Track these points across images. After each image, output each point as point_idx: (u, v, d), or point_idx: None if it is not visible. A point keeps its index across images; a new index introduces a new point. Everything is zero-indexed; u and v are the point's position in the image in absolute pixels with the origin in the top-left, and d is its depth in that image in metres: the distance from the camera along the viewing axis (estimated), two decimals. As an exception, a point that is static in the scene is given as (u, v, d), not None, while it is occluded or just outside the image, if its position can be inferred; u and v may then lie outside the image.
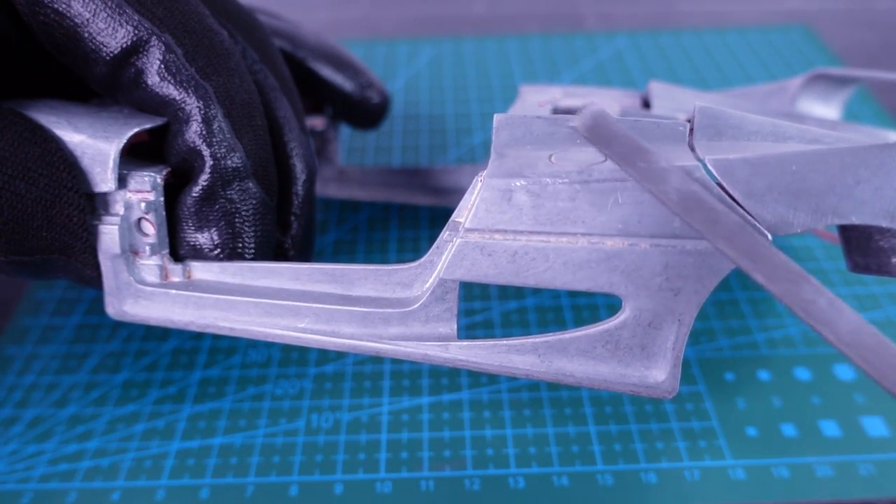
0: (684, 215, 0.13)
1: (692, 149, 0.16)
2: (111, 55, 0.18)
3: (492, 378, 0.23)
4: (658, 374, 0.17)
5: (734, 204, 0.15)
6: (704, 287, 0.16)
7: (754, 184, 0.15)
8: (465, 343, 0.18)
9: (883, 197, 0.15)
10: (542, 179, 0.16)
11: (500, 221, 0.16)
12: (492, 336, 0.24)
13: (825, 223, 0.15)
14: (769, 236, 0.15)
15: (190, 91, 0.18)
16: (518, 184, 0.16)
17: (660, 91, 0.24)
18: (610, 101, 0.24)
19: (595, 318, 0.25)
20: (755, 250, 0.13)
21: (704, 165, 0.16)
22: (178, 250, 0.19)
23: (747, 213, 0.15)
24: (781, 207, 0.15)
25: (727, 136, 0.17)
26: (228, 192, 0.19)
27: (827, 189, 0.15)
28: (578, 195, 0.16)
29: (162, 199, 0.19)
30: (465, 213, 0.17)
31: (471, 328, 0.25)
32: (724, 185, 0.15)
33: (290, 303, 0.18)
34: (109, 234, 0.19)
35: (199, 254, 0.19)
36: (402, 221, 0.30)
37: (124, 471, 0.21)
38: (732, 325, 0.24)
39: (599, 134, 0.14)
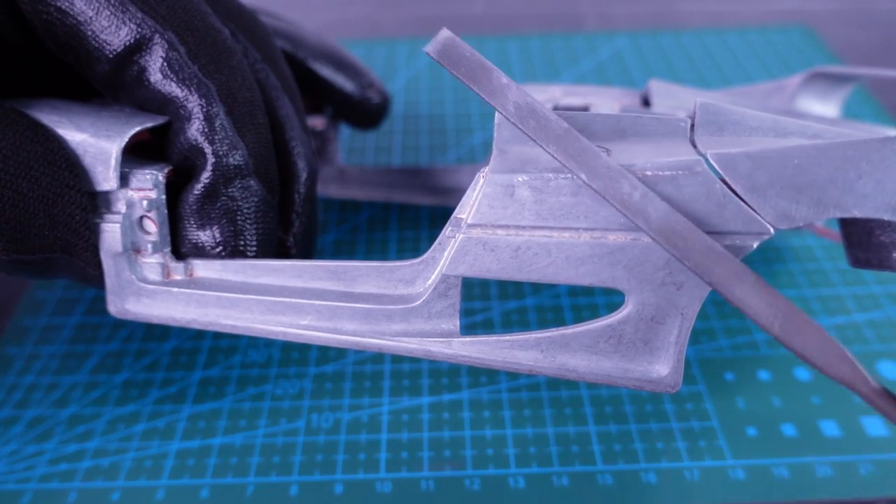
0: (519, 124, 0.15)
1: (694, 144, 0.16)
2: (114, 53, 0.18)
3: (491, 378, 0.23)
4: (661, 368, 0.17)
5: (734, 195, 0.15)
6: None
7: (756, 178, 0.15)
8: (467, 339, 0.18)
9: (885, 190, 0.15)
10: (545, 175, 0.16)
11: (502, 217, 0.16)
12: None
13: (827, 217, 0.15)
14: (772, 230, 0.15)
15: (192, 89, 0.18)
16: (520, 179, 0.16)
17: (659, 89, 0.24)
18: (610, 100, 0.24)
19: (595, 317, 0.25)
20: (580, 153, 0.14)
21: (707, 160, 0.16)
22: (180, 248, 0.19)
23: (750, 207, 0.15)
24: (783, 201, 0.15)
25: (728, 131, 0.17)
26: (230, 190, 0.19)
27: (829, 183, 0.15)
28: (580, 190, 0.16)
29: (164, 197, 0.19)
30: (468, 208, 0.17)
31: (471, 328, 0.25)
32: (727, 179, 0.15)
33: (292, 300, 0.18)
34: (111, 233, 0.19)
35: (201, 252, 0.19)
36: (402, 221, 0.30)
37: (124, 471, 0.21)
38: (732, 325, 0.24)
39: (449, 56, 0.15)
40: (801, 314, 0.14)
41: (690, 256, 0.14)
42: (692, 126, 0.17)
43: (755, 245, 0.16)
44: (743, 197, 0.15)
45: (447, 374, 0.23)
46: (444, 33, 0.15)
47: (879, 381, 0.22)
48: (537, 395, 0.22)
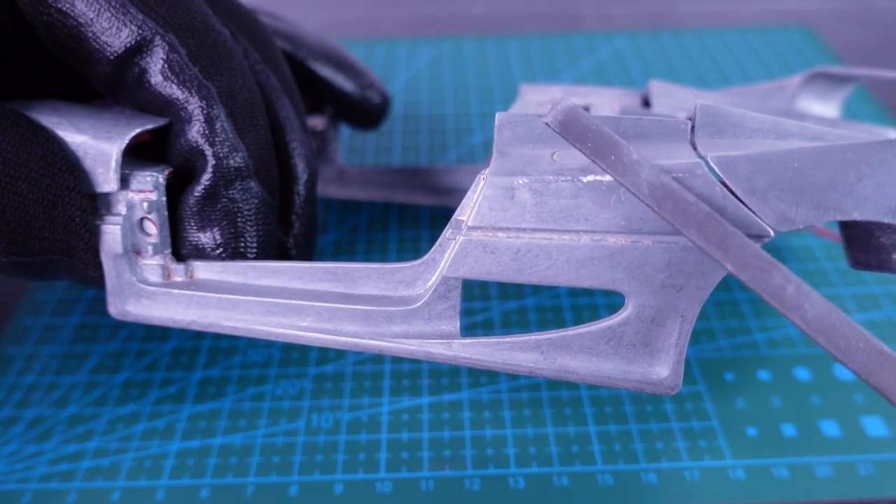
0: (655, 207, 0.14)
1: (694, 146, 0.16)
2: (115, 55, 0.18)
3: (492, 378, 0.23)
4: (661, 370, 0.17)
5: (734, 198, 0.15)
6: (707, 283, 0.16)
7: (756, 181, 0.15)
8: (468, 341, 0.18)
9: (885, 193, 0.15)
10: (545, 177, 0.16)
11: (502, 219, 0.16)
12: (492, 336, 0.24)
13: (827, 219, 0.15)
14: (772, 233, 0.15)
15: (193, 91, 0.18)
16: (521, 182, 0.16)
17: (659, 90, 0.24)
18: (610, 100, 0.24)
19: (595, 318, 0.25)
20: (726, 239, 0.13)
21: (707, 163, 0.16)
22: (181, 250, 0.20)
23: (749, 210, 0.15)
24: (784, 204, 0.15)
25: (728, 133, 0.17)
26: (231, 192, 0.19)
27: (829, 185, 0.15)
28: (581, 193, 0.16)
29: (164, 198, 0.19)
30: (468, 210, 0.17)
31: (471, 328, 0.25)
32: (727, 181, 0.15)
33: (292, 301, 0.18)
34: (112, 234, 0.19)
35: (201, 253, 0.19)
36: (402, 221, 0.30)
37: (124, 471, 0.21)
38: (732, 325, 0.24)
39: (572, 129, 0.14)
40: None
41: (855, 359, 0.13)
42: (692, 128, 0.17)
43: None
44: (743, 199, 0.15)
45: (447, 375, 0.23)
46: (566, 104, 0.14)
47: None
48: (537, 396, 0.22)
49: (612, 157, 0.14)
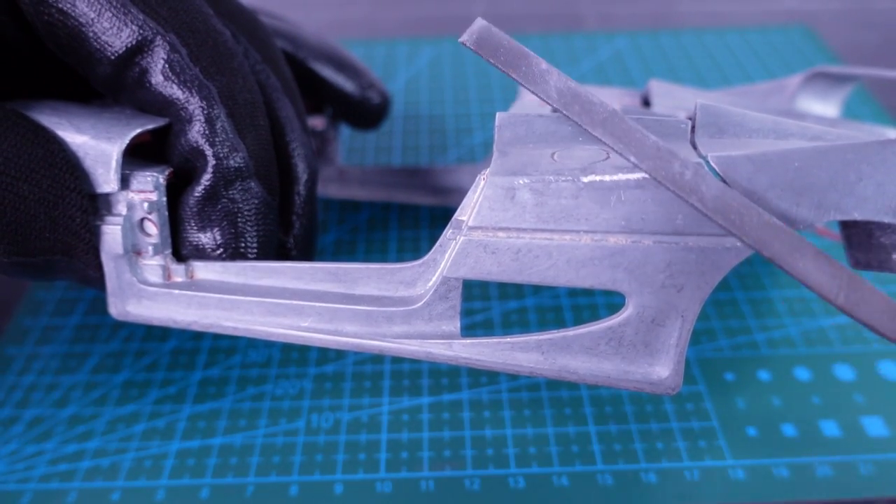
0: (563, 109, 0.14)
1: (694, 146, 0.16)
2: (116, 55, 0.18)
3: (492, 378, 0.23)
4: (662, 370, 0.17)
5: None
6: (707, 283, 0.16)
7: (757, 181, 0.15)
8: (468, 341, 0.18)
9: (885, 193, 0.15)
10: (545, 177, 0.16)
11: (503, 219, 0.16)
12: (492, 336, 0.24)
13: (827, 219, 0.15)
14: None
15: (193, 91, 0.18)
16: (521, 182, 0.16)
17: (659, 90, 0.24)
18: (610, 100, 0.24)
19: (595, 318, 0.25)
20: (628, 134, 0.14)
21: (707, 162, 0.16)
22: (181, 250, 0.20)
23: None
24: (784, 204, 0.15)
25: (729, 133, 0.17)
26: (231, 192, 0.19)
27: (829, 185, 0.15)
28: (581, 193, 0.16)
29: (164, 199, 0.19)
30: (469, 211, 0.17)
31: (471, 328, 0.25)
32: (727, 181, 0.15)
33: (293, 302, 0.18)
34: (112, 235, 0.19)
35: (201, 254, 0.19)
36: (402, 221, 0.30)
37: (124, 471, 0.21)
38: (732, 325, 0.24)
39: (486, 45, 0.15)
40: (865, 283, 0.14)
41: (748, 232, 0.14)
42: (693, 128, 0.17)
43: None
44: None
45: (447, 375, 0.23)
46: (479, 22, 0.15)
47: (880, 383, 0.22)
48: (537, 396, 0.22)
49: (523, 68, 0.15)
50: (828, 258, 0.14)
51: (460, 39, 0.15)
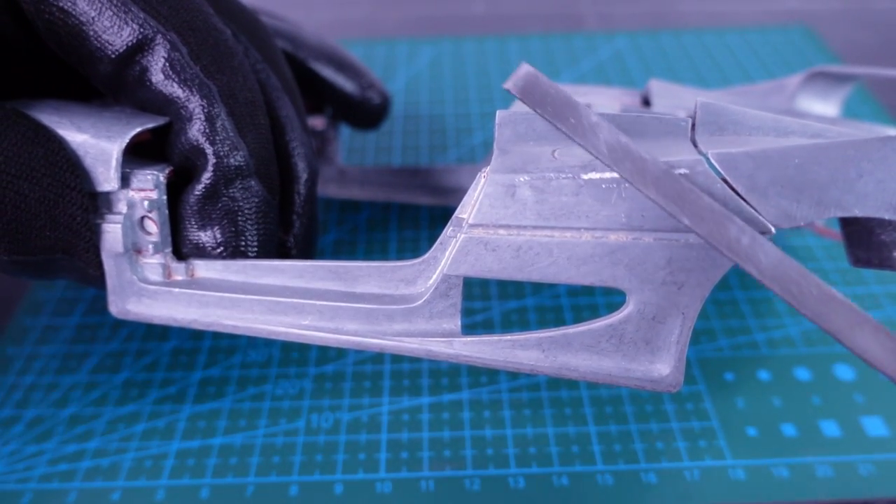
0: (614, 166, 0.14)
1: (694, 144, 0.16)
2: (116, 53, 0.18)
3: (492, 378, 0.23)
4: (662, 367, 0.17)
5: (735, 195, 0.15)
6: (708, 280, 0.16)
7: (757, 178, 0.15)
8: (469, 339, 0.18)
9: (886, 189, 0.15)
10: (546, 175, 0.16)
11: (503, 217, 0.16)
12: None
13: (828, 216, 0.15)
14: (773, 229, 0.15)
15: (194, 89, 0.18)
16: (521, 179, 0.16)
17: (659, 89, 0.24)
18: (610, 100, 0.24)
19: (596, 317, 0.25)
20: (682, 195, 0.14)
21: (707, 160, 0.16)
22: (181, 249, 0.20)
23: (751, 206, 0.15)
24: (784, 201, 0.15)
25: (729, 131, 0.17)
26: (231, 191, 0.19)
27: (830, 182, 0.15)
28: (582, 190, 0.16)
29: (165, 197, 0.19)
30: (469, 208, 0.17)
31: (471, 328, 0.25)
32: (728, 178, 0.15)
33: (293, 300, 0.18)
34: (112, 233, 0.19)
35: (202, 252, 0.19)
36: (402, 221, 0.30)
37: (124, 471, 0.21)
38: (732, 325, 0.24)
39: (532, 93, 0.14)
40: None
41: (807, 305, 0.14)
42: (693, 125, 0.17)
43: None
44: (744, 196, 0.15)
45: (447, 374, 0.23)
46: (525, 68, 0.14)
47: (880, 383, 0.22)
48: (537, 396, 0.22)
49: (572, 120, 0.14)
50: (888, 333, 0.13)
51: (504, 85, 0.14)
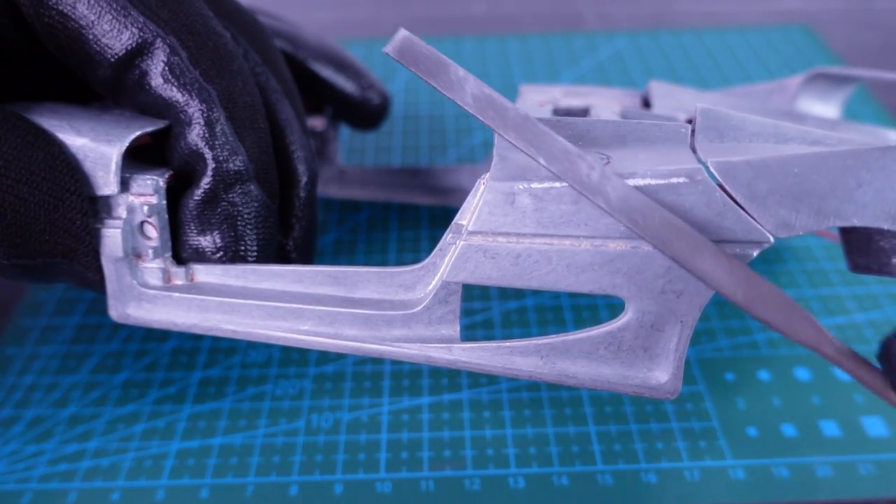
0: (479, 115, 0.15)
1: (694, 151, 0.16)
2: (115, 57, 0.18)
3: (491, 378, 0.23)
4: (661, 375, 0.17)
5: (734, 204, 0.15)
6: (706, 289, 0.16)
7: (756, 186, 0.15)
8: (468, 345, 0.18)
9: (884, 199, 0.15)
10: (545, 182, 0.16)
11: (503, 224, 0.16)
12: (492, 336, 0.24)
13: (826, 225, 0.15)
14: (772, 239, 0.16)
15: (193, 94, 0.18)
16: (521, 187, 0.16)
17: (660, 90, 0.24)
18: (610, 101, 0.24)
19: (595, 318, 0.25)
20: (539, 137, 0.15)
21: (707, 168, 0.16)
22: (181, 253, 0.19)
23: (750, 215, 0.15)
24: (783, 210, 0.15)
25: (729, 137, 0.17)
26: (230, 195, 0.19)
27: (828, 192, 0.15)
28: (581, 198, 0.16)
29: (164, 202, 0.19)
30: (468, 215, 0.17)
31: (471, 328, 0.25)
32: (727, 187, 0.15)
33: (293, 305, 0.18)
34: (112, 238, 0.19)
35: (201, 257, 0.19)
36: (402, 221, 0.30)
37: (124, 471, 0.21)
38: (732, 325, 0.24)
39: (408, 55, 0.15)
40: (764, 281, 0.14)
41: (651, 232, 0.14)
42: (693, 132, 0.17)
43: (755, 253, 0.16)
44: (743, 205, 0.15)
45: (447, 375, 0.23)
46: (402, 33, 0.15)
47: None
48: (537, 396, 0.22)
49: (442, 76, 0.15)
50: (727, 257, 0.14)
51: (384, 49, 0.15)
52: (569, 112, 0.23)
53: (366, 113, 0.27)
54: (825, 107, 0.26)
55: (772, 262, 0.27)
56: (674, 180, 0.15)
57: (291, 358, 0.24)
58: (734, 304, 0.14)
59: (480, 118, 0.15)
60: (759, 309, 0.14)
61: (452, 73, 0.15)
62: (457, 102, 0.15)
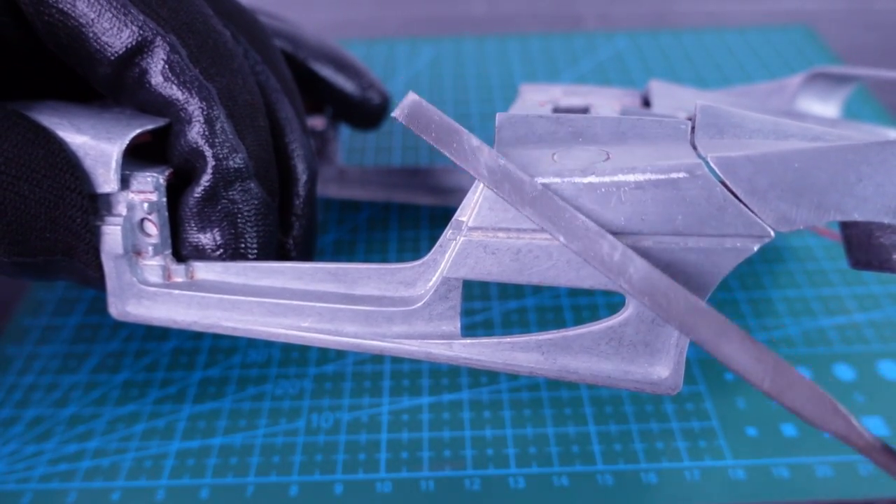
0: (494, 188, 0.15)
1: (694, 147, 0.16)
2: (115, 55, 0.18)
3: (492, 378, 0.23)
4: (662, 370, 0.17)
5: (735, 199, 0.15)
6: (707, 284, 0.16)
7: (757, 181, 0.15)
8: (468, 341, 0.18)
9: (885, 193, 0.15)
10: (545, 178, 0.16)
11: (503, 219, 0.16)
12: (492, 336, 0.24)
13: (827, 220, 0.15)
14: (772, 233, 0.16)
15: (193, 92, 0.18)
16: None
17: (660, 90, 0.24)
18: (610, 100, 0.24)
19: (595, 318, 0.25)
20: (557, 214, 0.15)
21: (707, 163, 0.16)
22: (181, 250, 0.20)
23: (750, 210, 0.15)
24: (784, 204, 0.15)
25: (729, 134, 0.17)
26: (230, 193, 0.19)
27: (829, 186, 0.15)
28: (581, 193, 0.16)
29: (164, 199, 0.19)
30: (469, 211, 0.17)
31: (471, 328, 0.25)
32: (727, 182, 0.15)
33: (293, 302, 0.18)
34: (112, 235, 0.19)
35: (201, 254, 0.19)
36: (402, 221, 0.30)
37: (124, 471, 0.21)
38: (732, 324, 0.24)
39: (417, 120, 0.15)
40: (791, 369, 0.14)
41: (675, 316, 0.14)
42: (693, 128, 0.17)
43: (755, 248, 0.16)
44: (743, 200, 0.15)
45: (447, 375, 0.23)
46: (411, 98, 0.15)
47: (880, 383, 0.22)
48: (537, 396, 0.22)
49: (455, 145, 0.15)
50: (754, 342, 0.14)
51: (393, 114, 0.15)
52: (569, 111, 0.23)
53: (366, 113, 0.27)
54: (825, 106, 0.26)
55: (772, 262, 0.27)
56: (674, 175, 0.15)
57: (291, 358, 0.24)
58: (761, 391, 0.14)
59: (496, 191, 0.15)
60: (788, 398, 0.14)
61: (466, 143, 0.15)
62: (469, 172, 0.15)
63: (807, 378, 0.14)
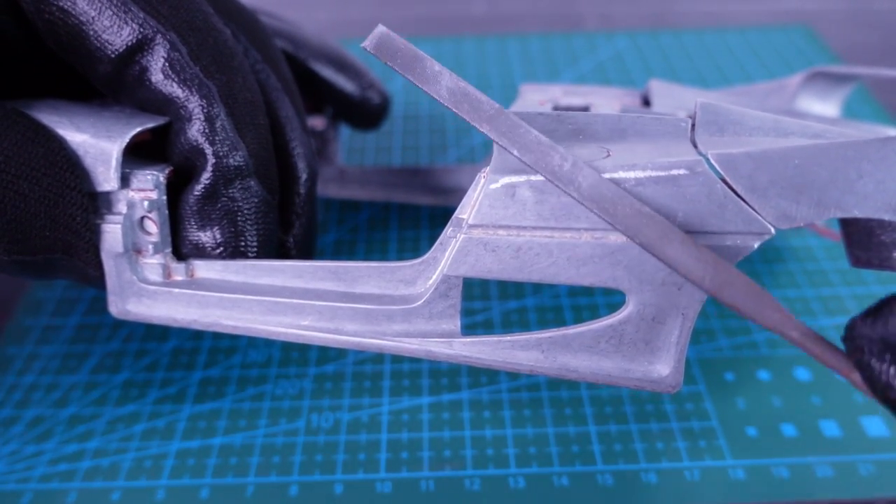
0: (454, 108, 0.15)
1: (694, 144, 0.16)
2: (116, 53, 0.18)
3: (492, 378, 0.23)
4: (662, 368, 0.17)
5: (735, 195, 0.15)
6: None
7: (757, 178, 0.15)
8: (468, 339, 0.18)
9: (885, 190, 0.15)
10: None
11: (503, 217, 0.16)
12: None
13: (827, 217, 0.15)
14: (772, 230, 0.15)
15: (193, 89, 0.18)
16: (521, 179, 0.16)
17: (660, 89, 0.24)
18: (610, 100, 0.24)
19: (596, 318, 0.25)
20: (513, 129, 0.15)
21: (707, 160, 0.16)
22: (181, 249, 0.20)
23: (750, 207, 0.15)
24: (784, 201, 0.15)
25: (729, 131, 0.17)
26: (230, 191, 0.19)
27: (829, 183, 0.15)
28: None
29: (164, 197, 0.19)
30: (469, 209, 0.17)
31: (471, 328, 0.25)
32: (728, 179, 0.15)
33: (293, 300, 0.18)
34: (112, 233, 0.19)
35: (201, 252, 0.19)
36: (402, 221, 0.30)
37: (124, 471, 0.21)
38: (732, 325, 0.24)
39: (385, 50, 0.15)
40: (729, 267, 0.14)
41: (621, 220, 0.15)
42: (693, 126, 0.17)
43: (756, 245, 0.16)
44: (744, 197, 0.15)
45: (447, 375, 0.23)
46: (380, 29, 0.15)
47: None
48: (537, 396, 0.22)
49: (418, 70, 0.15)
50: (696, 245, 0.14)
51: (362, 45, 0.15)
52: (569, 111, 0.23)
53: (366, 113, 0.27)
54: (824, 106, 0.26)
55: (772, 262, 0.27)
56: (674, 172, 0.15)
57: (291, 358, 0.24)
58: (702, 289, 0.14)
59: (455, 111, 0.15)
60: (727, 294, 0.14)
61: (428, 68, 0.15)
62: (432, 96, 0.15)
63: (744, 275, 0.14)
